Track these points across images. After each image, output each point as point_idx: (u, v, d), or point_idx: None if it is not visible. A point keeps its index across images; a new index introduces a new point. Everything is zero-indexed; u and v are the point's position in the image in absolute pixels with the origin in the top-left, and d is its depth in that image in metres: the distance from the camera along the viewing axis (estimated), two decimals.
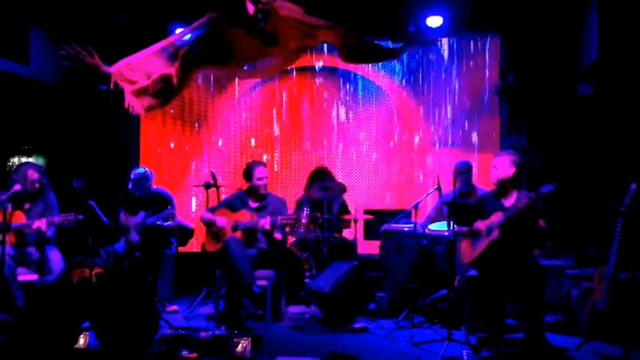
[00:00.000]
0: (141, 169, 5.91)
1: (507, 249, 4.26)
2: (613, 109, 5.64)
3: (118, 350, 1.97)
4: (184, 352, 3.74)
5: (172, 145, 7.16)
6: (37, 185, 5.04)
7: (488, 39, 6.87)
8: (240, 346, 3.57)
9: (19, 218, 4.94)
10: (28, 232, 4.93)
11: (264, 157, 7.22)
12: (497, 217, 4.29)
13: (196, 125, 7.25)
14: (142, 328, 2.01)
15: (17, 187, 4.84)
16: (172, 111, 7.09)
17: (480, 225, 4.37)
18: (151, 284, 5.54)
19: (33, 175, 5.02)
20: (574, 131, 6.00)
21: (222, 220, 5.24)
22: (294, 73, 7.24)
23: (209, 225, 5.30)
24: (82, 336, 3.70)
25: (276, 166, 7.29)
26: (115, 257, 5.59)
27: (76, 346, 3.21)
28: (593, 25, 5.63)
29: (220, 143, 7.26)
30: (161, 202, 5.80)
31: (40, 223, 4.85)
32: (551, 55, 6.21)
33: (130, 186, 5.86)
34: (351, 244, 5.99)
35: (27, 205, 5.08)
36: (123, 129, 6.89)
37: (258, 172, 5.33)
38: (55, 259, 5.02)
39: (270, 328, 4.97)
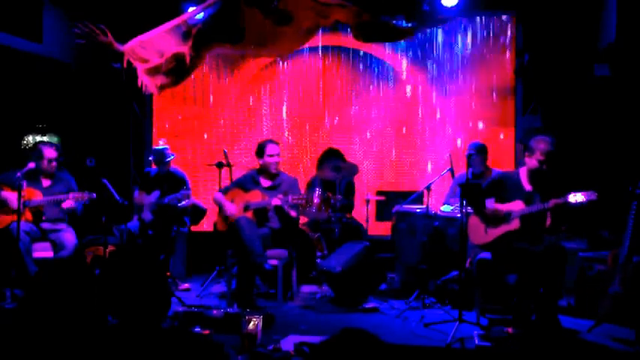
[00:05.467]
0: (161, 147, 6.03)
1: (525, 237, 4.25)
2: (630, 92, 5.55)
3: (132, 325, 1.99)
4: (197, 329, 3.79)
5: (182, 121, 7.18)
6: (54, 164, 5.07)
7: (504, 18, 6.77)
8: (251, 324, 3.60)
9: (35, 196, 4.98)
10: (46, 209, 5.00)
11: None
12: (517, 207, 4.26)
13: (209, 102, 7.26)
14: (154, 304, 2.02)
15: (31, 164, 4.89)
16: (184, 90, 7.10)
17: (500, 206, 4.34)
18: (163, 262, 5.59)
19: (50, 153, 5.06)
20: (590, 113, 5.93)
21: (232, 207, 5.25)
22: (306, 52, 7.18)
23: (220, 207, 5.34)
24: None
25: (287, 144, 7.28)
26: (128, 235, 5.64)
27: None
28: (612, 5, 5.52)
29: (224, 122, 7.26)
30: (175, 182, 5.84)
31: (69, 203, 4.97)
32: (569, 36, 6.11)
33: (151, 157, 5.92)
34: (360, 227, 5.99)
35: (47, 183, 5.12)
36: (136, 107, 6.91)
37: (270, 149, 5.33)
38: (69, 235, 5.09)
39: (281, 307, 5.00)
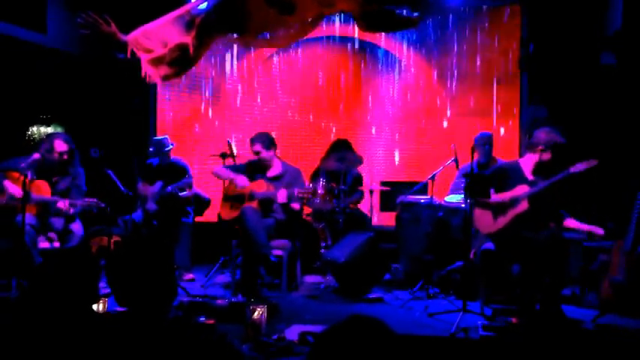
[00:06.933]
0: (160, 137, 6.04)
1: (532, 221, 4.24)
2: (637, 80, 5.51)
3: (137, 315, 1.99)
4: (202, 319, 3.81)
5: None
6: (65, 157, 4.99)
7: (509, 7, 6.73)
8: (256, 313, 3.61)
9: (42, 189, 4.95)
10: (52, 207, 4.97)
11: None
12: (521, 191, 4.27)
13: (211, 94, 7.26)
14: (160, 294, 2.03)
15: (36, 155, 4.86)
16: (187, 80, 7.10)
17: (503, 195, 4.35)
18: (168, 252, 5.58)
19: (60, 146, 4.98)
20: (596, 102, 5.89)
21: (243, 179, 5.26)
22: (310, 42, 7.16)
23: (223, 179, 5.39)
24: (100, 302, 3.79)
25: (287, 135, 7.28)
26: (132, 226, 5.65)
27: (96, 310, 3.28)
28: None
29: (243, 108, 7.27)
30: (178, 172, 5.85)
31: (63, 205, 4.89)
32: (574, 24, 6.06)
33: (151, 149, 5.93)
34: (365, 217, 5.99)
35: (55, 178, 5.06)
36: (137, 100, 6.90)
37: (253, 146, 5.33)
38: (75, 228, 5.09)
39: (286, 297, 5.02)
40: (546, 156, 4.28)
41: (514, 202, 4.29)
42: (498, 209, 4.37)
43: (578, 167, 4.03)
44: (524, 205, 4.25)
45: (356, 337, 1.43)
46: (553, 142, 4.25)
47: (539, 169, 4.33)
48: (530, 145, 4.37)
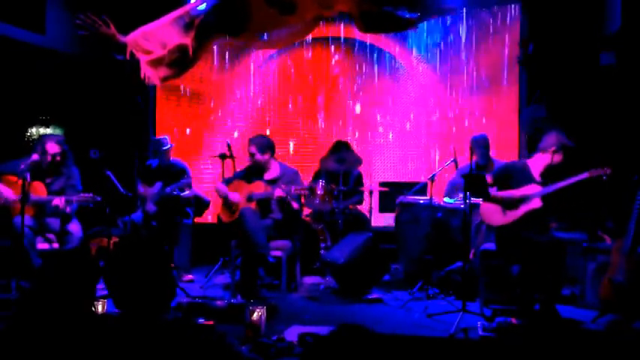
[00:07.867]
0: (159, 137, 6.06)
1: (541, 219, 4.28)
2: (637, 80, 5.51)
3: (136, 315, 1.99)
4: (201, 320, 3.80)
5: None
6: (58, 158, 4.98)
7: (509, 7, 6.72)
8: (255, 314, 3.61)
9: (38, 190, 4.95)
10: (48, 206, 4.96)
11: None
12: (532, 190, 4.30)
13: (210, 97, 7.26)
14: (158, 295, 2.03)
15: (35, 156, 4.85)
16: (187, 85, 7.10)
17: (514, 192, 4.36)
18: (167, 252, 5.59)
19: (52, 147, 4.97)
20: (596, 102, 5.89)
21: (235, 195, 5.28)
22: (311, 43, 7.16)
23: (222, 197, 5.36)
24: (99, 303, 3.79)
25: (291, 146, 7.27)
26: (132, 227, 5.65)
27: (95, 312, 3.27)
28: None
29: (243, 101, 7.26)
30: (177, 173, 5.85)
31: (59, 202, 4.85)
32: (573, 24, 6.06)
33: (150, 149, 5.93)
34: (365, 218, 5.99)
35: (49, 179, 5.06)
36: (139, 99, 6.89)
37: (249, 148, 5.34)
38: (74, 228, 5.08)
39: (285, 298, 5.01)
40: (557, 158, 4.32)
41: (526, 198, 4.31)
42: (509, 204, 4.39)
43: (593, 173, 4.10)
44: (537, 203, 4.29)
45: (345, 346, 1.43)
46: (563, 144, 4.29)
47: (549, 171, 4.35)
48: (542, 148, 4.39)
